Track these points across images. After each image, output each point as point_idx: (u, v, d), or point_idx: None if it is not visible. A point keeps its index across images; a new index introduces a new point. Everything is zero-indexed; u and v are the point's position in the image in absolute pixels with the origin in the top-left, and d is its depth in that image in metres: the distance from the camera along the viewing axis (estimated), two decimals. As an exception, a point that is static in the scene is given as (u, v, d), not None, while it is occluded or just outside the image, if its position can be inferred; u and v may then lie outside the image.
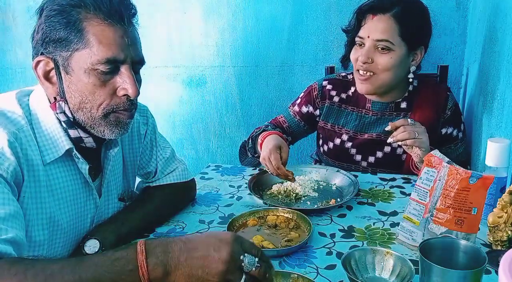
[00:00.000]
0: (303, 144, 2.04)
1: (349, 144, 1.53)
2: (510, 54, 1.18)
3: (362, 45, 1.39)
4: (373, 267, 0.88)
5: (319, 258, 0.97)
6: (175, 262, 0.69)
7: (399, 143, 1.30)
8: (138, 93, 0.93)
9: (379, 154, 1.50)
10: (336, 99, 1.55)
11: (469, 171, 0.92)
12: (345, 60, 1.52)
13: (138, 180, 1.24)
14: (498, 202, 0.97)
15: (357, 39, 1.40)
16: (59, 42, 0.87)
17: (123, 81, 0.91)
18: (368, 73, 1.39)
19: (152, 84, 2.27)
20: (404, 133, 1.26)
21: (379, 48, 1.36)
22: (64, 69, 0.89)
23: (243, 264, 0.70)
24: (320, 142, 1.63)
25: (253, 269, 0.70)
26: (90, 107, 0.91)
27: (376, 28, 1.35)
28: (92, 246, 0.96)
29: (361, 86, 1.43)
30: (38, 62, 0.90)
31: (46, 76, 0.91)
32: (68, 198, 0.96)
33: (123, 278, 0.68)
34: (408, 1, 1.38)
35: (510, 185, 0.98)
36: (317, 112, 1.58)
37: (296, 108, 1.61)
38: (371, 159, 1.51)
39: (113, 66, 0.89)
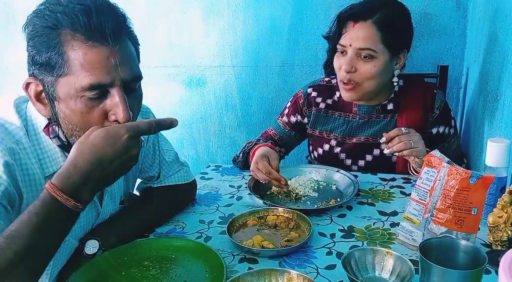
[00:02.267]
0: (302, 144, 2.04)
1: (338, 149, 1.52)
2: (510, 54, 1.18)
3: (345, 53, 1.36)
4: (373, 267, 0.88)
5: (319, 258, 0.97)
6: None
7: (396, 154, 1.29)
8: (129, 118, 0.83)
9: (369, 157, 1.49)
10: (322, 105, 1.54)
11: (469, 171, 0.92)
12: (328, 66, 1.50)
13: (138, 180, 1.24)
14: (498, 202, 0.97)
15: (339, 47, 1.37)
16: (43, 66, 0.81)
17: (113, 104, 0.82)
18: (352, 82, 1.37)
19: (152, 84, 2.27)
20: (400, 145, 1.26)
21: (362, 56, 1.33)
22: (51, 95, 0.83)
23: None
24: (310, 148, 1.63)
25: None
26: (82, 135, 0.85)
27: (357, 36, 1.32)
28: (92, 246, 0.96)
29: (345, 94, 1.41)
30: (28, 84, 0.85)
31: (37, 98, 0.86)
32: None
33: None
34: (389, 5, 1.35)
35: (510, 185, 0.98)
36: (305, 120, 1.57)
37: (285, 119, 1.60)
38: (361, 163, 1.50)
39: (100, 91, 0.81)
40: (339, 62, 1.38)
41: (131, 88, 0.86)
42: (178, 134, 2.38)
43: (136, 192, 1.25)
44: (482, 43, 1.54)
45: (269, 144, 1.48)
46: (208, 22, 2.15)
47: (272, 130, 1.62)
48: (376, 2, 1.34)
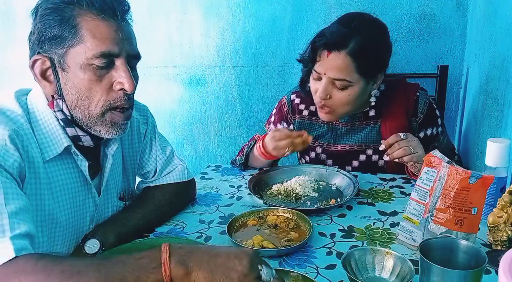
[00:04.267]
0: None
1: (323, 156, 1.52)
2: (510, 54, 1.18)
3: (320, 79, 1.33)
4: (373, 267, 0.88)
5: (319, 258, 0.97)
6: (197, 263, 0.72)
7: (396, 160, 1.28)
8: (134, 87, 0.93)
9: (355, 163, 1.49)
10: (305, 113, 1.53)
11: (469, 170, 0.92)
12: (304, 85, 1.47)
13: (138, 179, 1.25)
14: (498, 202, 0.97)
15: (314, 72, 1.34)
16: (54, 40, 0.88)
17: (118, 75, 0.91)
18: (327, 108, 1.36)
19: (152, 84, 2.27)
20: (399, 151, 1.25)
21: (337, 85, 1.31)
22: (60, 66, 0.89)
23: (261, 273, 0.73)
24: (298, 155, 1.63)
25: (271, 279, 0.73)
26: (88, 105, 0.91)
27: (331, 66, 1.28)
28: (92, 246, 0.97)
29: (323, 116, 1.40)
30: (35, 61, 0.91)
31: (43, 75, 0.92)
32: (67, 196, 0.97)
33: (146, 275, 0.70)
34: (364, 32, 1.27)
35: (510, 185, 0.98)
36: (291, 127, 1.57)
37: (272, 126, 1.59)
38: (348, 168, 1.50)
39: (108, 60, 0.89)
40: (315, 87, 1.36)
41: (132, 65, 0.94)
42: (178, 135, 2.38)
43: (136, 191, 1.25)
44: (482, 43, 1.54)
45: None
46: (208, 22, 2.15)
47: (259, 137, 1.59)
48: (350, 29, 1.27)
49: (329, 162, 1.52)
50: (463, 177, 0.91)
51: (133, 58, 0.94)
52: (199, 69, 2.24)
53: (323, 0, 1.96)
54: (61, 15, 0.87)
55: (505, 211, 0.95)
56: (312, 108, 1.52)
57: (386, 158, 1.29)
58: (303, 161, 1.59)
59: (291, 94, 1.57)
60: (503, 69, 1.24)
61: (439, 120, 1.46)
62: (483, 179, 0.91)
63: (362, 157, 1.48)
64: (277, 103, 1.61)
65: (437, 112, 1.46)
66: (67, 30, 0.87)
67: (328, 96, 1.32)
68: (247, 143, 1.58)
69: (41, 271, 0.68)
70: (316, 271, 0.92)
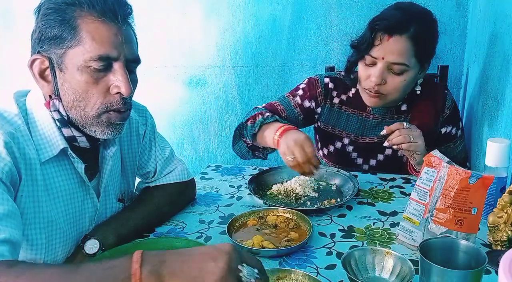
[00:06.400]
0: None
1: (350, 148, 1.51)
2: (510, 54, 1.18)
3: (374, 64, 1.32)
4: (373, 267, 0.88)
5: (319, 258, 0.97)
6: (170, 271, 0.66)
7: (394, 147, 1.29)
8: (131, 91, 0.92)
9: (381, 157, 1.49)
10: (336, 100, 1.50)
11: (469, 170, 0.92)
12: (350, 74, 1.45)
13: (137, 180, 1.24)
14: (498, 202, 0.97)
15: (368, 57, 1.32)
16: (54, 40, 0.88)
17: (116, 79, 0.90)
18: (378, 93, 1.34)
19: (152, 84, 2.27)
20: (399, 138, 1.26)
21: (393, 70, 1.30)
22: (58, 66, 0.89)
23: (241, 274, 0.67)
24: (319, 144, 1.60)
25: (253, 280, 0.67)
26: (84, 106, 0.91)
27: (392, 50, 1.27)
28: (92, 246, 0.97)
29: (369, 101, 1.38)
30: (34, 60, 0.91)
31: (41, 75, 0.92)
32: (64, 197, 0.96)
33: None
34: (423, 17, 1.31)
35: (510, 185, 0.98)
36: (319, 110, 1.52)
37: (298, 100, 1.51)
38: (373, 162, 1.50)
39: (106, 63, 0.89)
40: (367, 73, 1.34)
41: (131, 69, 0.94)
42: (178, 135, 2.38)
43: (136, 192, 1.25)
44: (482, 43, 1.54)
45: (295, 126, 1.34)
46: (208, 22, 2.15)
47: (279, 105, 1.50)
48: (411, 14, 1.29)
49: (354, 154, 1.51)
50: (463, 177, 0.91)
51: (132, 62, 0.93)
52: (199, 69, 2.24)
53: (323, 0, 1.96)
54: (62, 15, 0.87)
55: (505, 211, 0.95)
56: (343, 97, 1.50)
57: (386, 143, 1.29)
58: (326, 151, 1.55)
59: (324, 77, 1.52)
60: (503, 69, 1.24)
61: (460, 123, 1.48)
62: (483, 179, 0.91)
63: (388, 151, 1.47)
64: (306, 80, 1.54)
65: (460, 116, 1.49)
66: (67, 31, 0.87)
67: (383, 81, 1.32)
68: (261, 112, 1.42)
69: (7, 280, 0.66)
70: (316, 271, 0.92)
